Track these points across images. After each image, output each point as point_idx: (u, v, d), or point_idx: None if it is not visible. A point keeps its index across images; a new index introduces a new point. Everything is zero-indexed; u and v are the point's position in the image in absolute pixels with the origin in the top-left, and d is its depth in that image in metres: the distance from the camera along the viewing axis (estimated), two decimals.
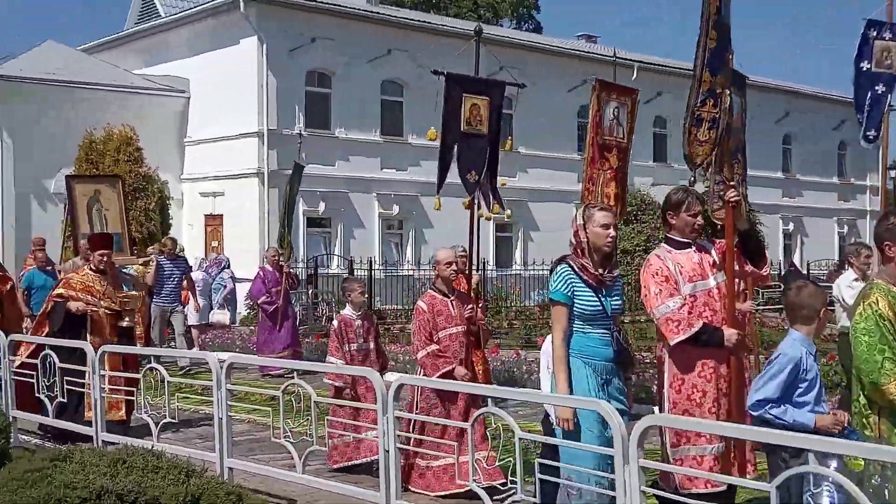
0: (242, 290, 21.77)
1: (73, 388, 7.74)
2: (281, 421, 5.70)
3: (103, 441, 6.91)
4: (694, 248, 5.36)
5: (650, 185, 30.07)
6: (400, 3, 43.73)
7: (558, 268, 4.99)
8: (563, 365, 4.75)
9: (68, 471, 3.97)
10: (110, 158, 20.94)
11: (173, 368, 12.68)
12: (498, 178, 7.99)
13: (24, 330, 12.30)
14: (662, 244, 5.42)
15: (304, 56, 24.05)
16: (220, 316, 18.79)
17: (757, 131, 33.13)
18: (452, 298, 6.90)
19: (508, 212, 7.03)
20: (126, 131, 21.33)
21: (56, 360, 7.77)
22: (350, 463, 7.23)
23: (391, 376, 5.60)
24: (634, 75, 29.59)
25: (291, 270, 14.45)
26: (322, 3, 24.83)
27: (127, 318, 8.89)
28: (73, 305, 8.56)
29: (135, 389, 7.57)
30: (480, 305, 7.16)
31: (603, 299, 4.91)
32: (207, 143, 24.79)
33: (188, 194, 25.40)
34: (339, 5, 25.59)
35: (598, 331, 4.88)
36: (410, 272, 23.92)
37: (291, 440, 5.71)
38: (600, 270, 4.93)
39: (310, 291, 22.13)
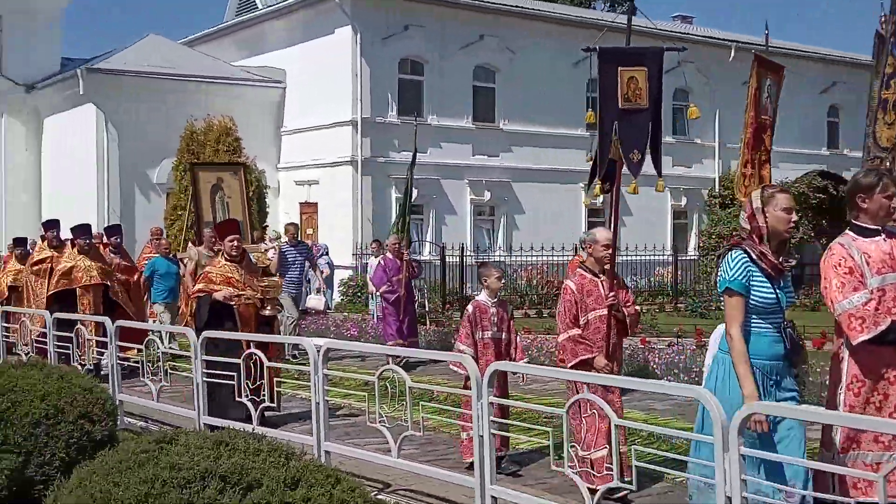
0: (338, 277, 22.14)
1: (222, 380, 7.30)
2: (377, 406, 5.80)
3: (205, 424, 7.14)
4: (884, 236, 4.69)
5: None
6: None
7: (732, 254, 4.61)
8: (746, 361, 4.39)
9: (173, 452, 4.10)
10: (210, 148, 21.46)
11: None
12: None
13: (148, 319, 12.89)
14: (847, 231, 4.75)
15: (397, 44, 24.23)
16: (314, 302, 19.07)
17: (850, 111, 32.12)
18: (602, 279, 6.49)
19: (661, 181, 6.32)
20: (225, 122, 21.83)
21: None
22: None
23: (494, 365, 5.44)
24: (731, 56, 28.94)
25: (413, 258, 14.03)
26: None
27: (269, 307, 8.62)
28: (218, 294, 8.35)
29: (277, 380, 7.41)
30: (626, 291, 6.68)
31: (778, 290, 4.58)
32: (303, 133, 25.22)
33: (284, 183, 25.90)
34: None
35: (769, 326, 4.54)
36: (502, 258, 23.92)
37: (387, 424, 5.80)
38: (779, 258, 4.59)
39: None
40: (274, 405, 7.43)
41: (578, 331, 6.29)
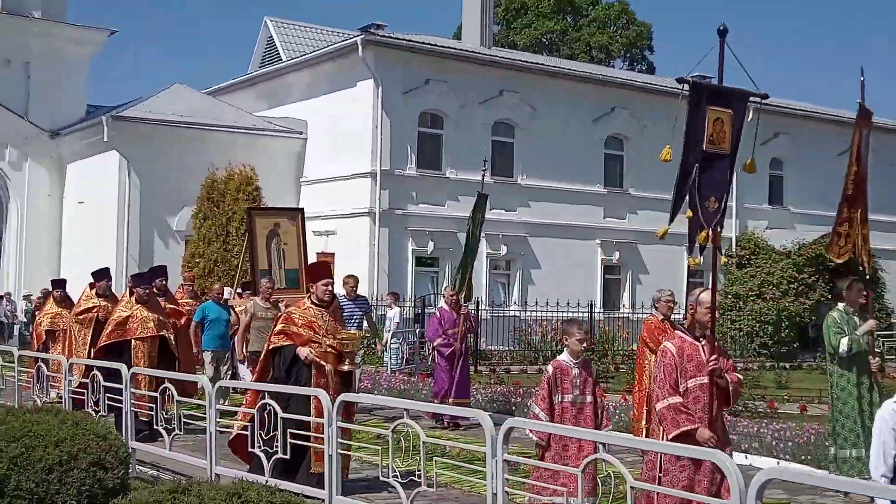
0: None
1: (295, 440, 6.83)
2: (390, 460, 5.77)
3: (216, 475, 7.11)
4: None
5: (764, 228, 29.37)
6: (513, 45, 44.15)
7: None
8: None
9: (186, 503, 4.10)
10: (230, 197, 21.66)
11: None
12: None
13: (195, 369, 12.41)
14: None
15: (418, 98, 24.48)
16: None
17: (879, 175, 32.06)
18: (703, 343, 5.90)
19: (724, 258, 6.03)
20: (246, 171, 22.05)
21: (276, 407, 6.87)
22: None
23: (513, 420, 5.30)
24: (750, 116, 29.01)
25: (470, 311, 12.97)
26: (437, 45, 25.31)
27: (348, 361, 7.86)
28: (303, 352, 7.65)
29: (351, 444, 6.81)
30: (726, 357, 6.05)
31: None
32: (322, 183, 25.42)
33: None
34: (454, 48, 26.05)
35: None
36: (517, 313, 23.88)
37: (400, 480, 5.77)
38: None
39: (417, 330, 22.31)
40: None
41: (680, 399, 5.69)
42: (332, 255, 25.10)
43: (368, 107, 23.89)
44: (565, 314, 22.70)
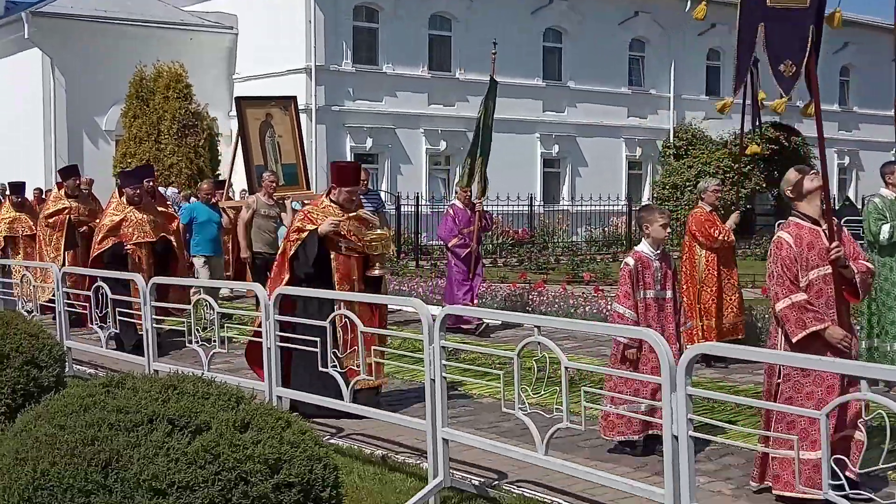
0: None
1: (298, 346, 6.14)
2: (329, 352, 5.76)
3: (154, 370, 7.07)
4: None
5: (702, 118, 29.57)
6: None
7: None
8: None
9: (120, 396, 4.05)
10: (160, 95, 21.10)
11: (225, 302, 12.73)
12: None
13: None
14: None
15: None
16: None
17: (863, 70, 32.53)
18: (824, 227, 5.06)
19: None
20: (176, 68, 21.42)
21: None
22: (624, 438, 5.89)
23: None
24: (688, 6, 28.92)
25: (486, 208, 11.87)
26: None
27: (377, 266, 7.03)
28: (323, 227, 6.79)
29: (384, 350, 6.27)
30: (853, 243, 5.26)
31: None
32: (256, 80, 24.80)
33: (236, 130, 25.52)
34: None
35: None
36: None
37: (339, 370, 5.78)
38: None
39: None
40: (371, 378, 5.95)
41: (804, 295, 4.90)
42: None
43: (301, 0, 23.21)
44: (506, 208, 22.79)
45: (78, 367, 8.59)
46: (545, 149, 27.12)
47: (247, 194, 13.64)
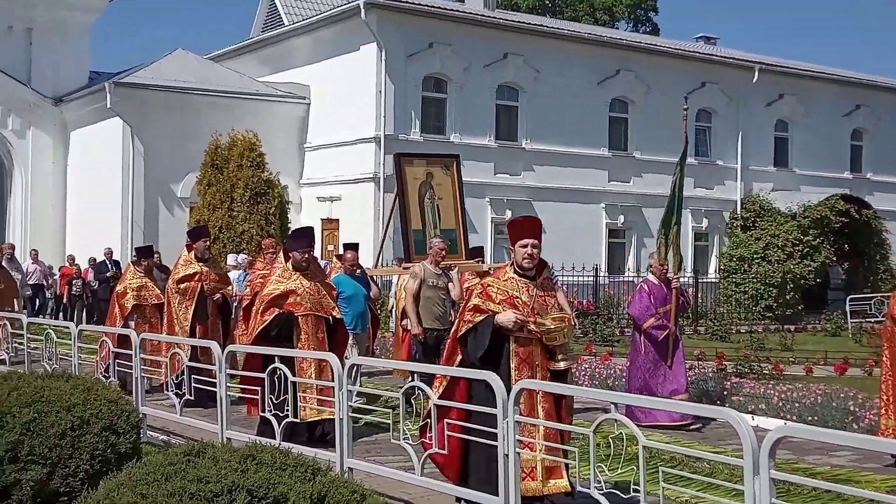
0: None
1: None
2: (401, 423, 5.79)
3: (227, 438, 7.16)
4: None
5: (770, 190, 29.30)
6: (516, 7, 43.81)
7: None
8: None
9: (201, 466, 4.12)
10: (234, 164, 21.61)
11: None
12: None
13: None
14: None
15: (422, 61, 24.34)
16: None
17: (880, 135, 31.90)
18: None
19: None
20: (249, 137, 21.97)
21: (428, 391, 5.71)
22: None
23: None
24: (755, 77, 28.91)
25: (683, 285, 10.52)
26: (440, 8, 25.12)
27: (560, 356, 5.89)
28: (506, 317, 5.76)
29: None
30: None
31: None
32: (326, 149, 25.34)
33: (306, 199, 26.00)
34: (457, 11, 25.86)
35: None
36: None
37: (410, 442, 5.80)
38: None
39: None
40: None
41: None
42: (337, 220, 25.11)
43: (372, 71, 23.75)
44: (571, 278, 22.73)
45: (151, 433, 8.72)
46: (610, 219, 27.08)
47: (400, 262, 12.59)
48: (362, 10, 23.31)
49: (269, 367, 6.98)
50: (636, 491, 4.20)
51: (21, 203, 25.98)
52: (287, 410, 6.94)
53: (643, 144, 27.41)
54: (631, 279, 26.30)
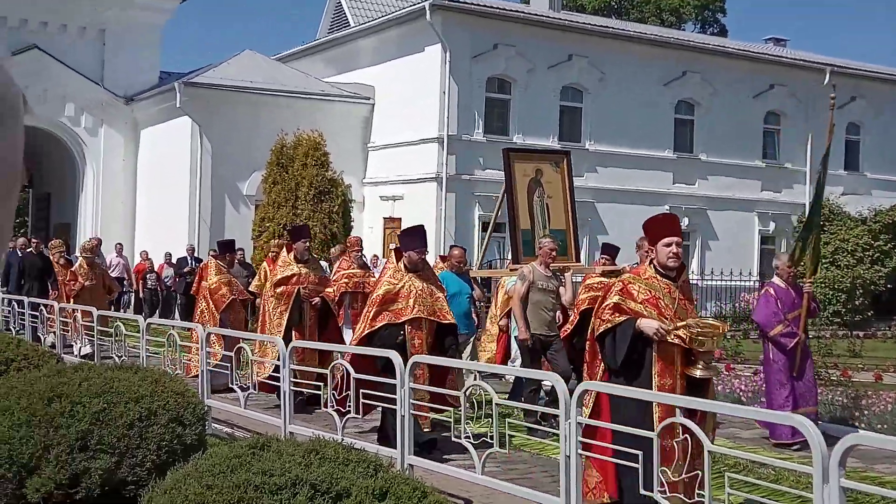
0: None
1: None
2: (462, 422, 5.81)
3: (290, 432, 7.24)
4: None
5: (840, 194, 28.69)
6: (581, 8, 43.59)
7: None
8: None
9: (265, 459, 4.18)
10: (299, 162, 21.84)
11: None
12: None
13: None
14: None
15: (486, 63, 24.34)
16: None
17: None
18: None
19: None
20: (314, 137, 22.18)
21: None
22: None
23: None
24: (826, 79, 28.32)
25: (813, 290, 9.73)
26: (505, 10, 25.10)
27: (701, 364, 5.50)
28: (650, 325, 5.42)
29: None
30: None
31: None
32: (390, 148, 25.48)
33: (369, 198, 26.18)
34: (522, 12, 25.83)
35: None
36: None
37: (472, 441, 5.81)
38: None
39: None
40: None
41: None
42: (399, 220, 25.23)
43: (436, 72, 23.82)
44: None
45: (216, 425, 8.86)
46: None
47: (507, 263, 11.92)
48: (427, 12, 23.40)
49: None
50: (700, 497, 4.15)
51: (93, 199, 26.60)
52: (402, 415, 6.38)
53: (709, 147, 27.06)
54: (695, 282, 25.98)
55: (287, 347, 7.64)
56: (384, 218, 25.69)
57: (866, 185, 29.36)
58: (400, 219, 25.15)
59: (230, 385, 8.67)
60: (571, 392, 4.99)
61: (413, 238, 8.17)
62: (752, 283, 24.97)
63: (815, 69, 28.76)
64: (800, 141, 28.46)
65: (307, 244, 10.00)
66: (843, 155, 29.66)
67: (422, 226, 8.67)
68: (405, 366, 6.22)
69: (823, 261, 26.16)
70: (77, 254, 16.96)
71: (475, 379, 6.01)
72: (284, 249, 10.29)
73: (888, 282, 26.27)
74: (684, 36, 33.16)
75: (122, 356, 10.31)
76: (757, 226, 27.93)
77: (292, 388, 7.43)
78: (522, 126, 24.82)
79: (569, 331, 9.25)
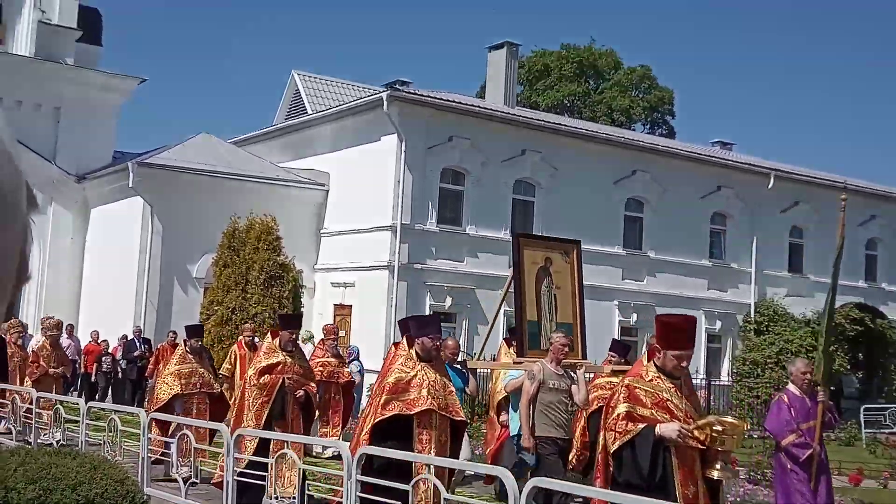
0: (367, 382, 22.02)
1: None
2: None
3: None
4: None
5: (783, 295, 29.25)
6: (535, 106, 44.59)
7: None
8: None
9: None
10: (251, 246, 21.77)
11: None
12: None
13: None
14: None
15: (441, 154, 24.68)
16: None
17: (891, 245, 32.00)
18: None
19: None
20: (267, 221, 22.17)
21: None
22: None
23: None
24: (771, 183, 29.16)
25: (828, 399, 8.89)
26: (461, 103, 25.58)
27: (719, 465, 5.33)
28: (670, 429, 5.21)
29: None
30: None
31: None
32: (343, 235, 25.54)
33: (320, 283, 26.10)
34: (478, 106, 26.34)
35: None
36: None
37: None
38: None
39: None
40: None
41: None
42: (350, 307, 25.13)
43: (391, 161, 24.07)
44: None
45: None
46: (623, 317, 27.03)
47: (509, 355, 11.55)
48: (385, 102, 23.76)
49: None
50: None
51: (37, 279, 26.15)
52: None
53: (658, 244, 27.54)
54: None
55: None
56: (335, 304, 25.57)
57: (809, 287, 29.97)
58: (351, 306, 25.06)
59: (169, 474, 8.46)
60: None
61: (426, 325, 7.78)
62: (698, 381, 25.13)
63: (761, 173, 29.61)
64: (745, 242, 29.12)
65: (293, 336, 9.55)
66: (787, 257, 30.36)
67: (437, 313, 8.42)
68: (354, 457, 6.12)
69: (769, 361, 26.53)
70: (36, 333, 16.62)
71: (429, 471, 5.93)
72: (269, 335, 9.94)
73: (831, 384, 26.64)
74: (635, 136, 34.01)
75: (59, 441, 10.03)
76: (704, 324, 28.26)
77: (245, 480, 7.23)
78: (475, 217, 25.08)
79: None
